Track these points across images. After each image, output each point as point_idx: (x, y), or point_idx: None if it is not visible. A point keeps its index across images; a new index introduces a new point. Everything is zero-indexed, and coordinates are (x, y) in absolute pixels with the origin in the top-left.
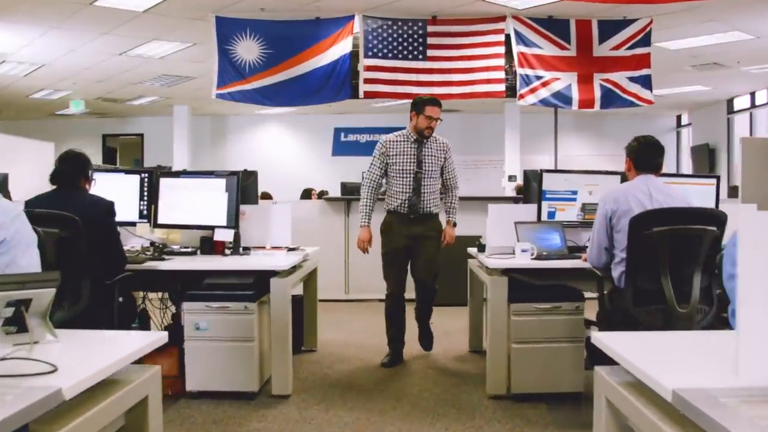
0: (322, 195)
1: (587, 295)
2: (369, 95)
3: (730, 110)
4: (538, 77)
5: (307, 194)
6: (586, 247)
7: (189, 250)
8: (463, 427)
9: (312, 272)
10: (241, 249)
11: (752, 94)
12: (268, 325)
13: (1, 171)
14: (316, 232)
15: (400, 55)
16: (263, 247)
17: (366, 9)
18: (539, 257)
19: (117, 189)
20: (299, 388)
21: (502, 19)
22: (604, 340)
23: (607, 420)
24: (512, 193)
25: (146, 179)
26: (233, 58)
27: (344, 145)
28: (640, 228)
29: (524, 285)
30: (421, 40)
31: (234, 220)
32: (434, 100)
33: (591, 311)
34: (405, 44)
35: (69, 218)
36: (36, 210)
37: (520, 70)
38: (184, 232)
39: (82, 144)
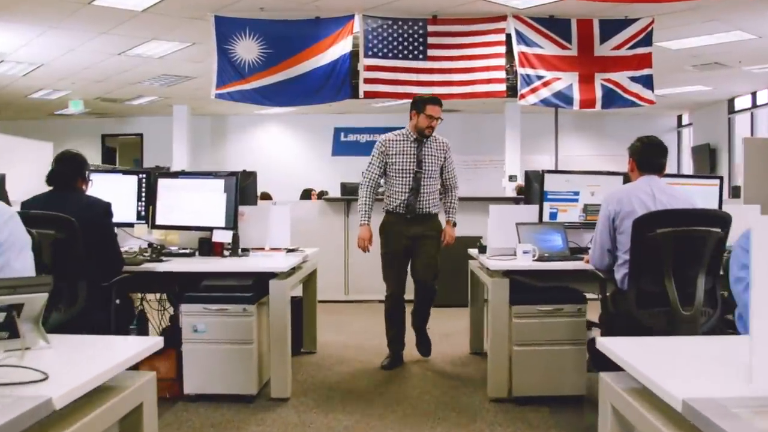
0: (321, 195)
1: (589, 297)
2: (369, 95)
3: (731, 110)
4: (539, 77)
5: (306, 194)
6: (588, 248)
7: (187, 251)
8: (463, 430)
9: (311, 273)
10: (239, 250)
11: (753, 94)
12: (267, 328)
13: None
14: (315, 233)
15: (400, 55)
16: (262, 249)
17: (366, 8)
18: (541, 259)
19: (114, 190)
20: (298, 391)
21: (503, 18)
22: (610, 345)
23: (612, 427)
24: (512, 193)
25: (144, 180)
26: (232, 58)
27: (344, 145)
28: (643, 229)
29: (526, 287)
30: (421, 39)
31: (233, 221)
32: (435, 99)
33: (593, 313)
34: (405, 44)
35: (65, 219)
36: (32, 211)
37: (520, 70)
38: (182, 233)
39: (81, 144)
